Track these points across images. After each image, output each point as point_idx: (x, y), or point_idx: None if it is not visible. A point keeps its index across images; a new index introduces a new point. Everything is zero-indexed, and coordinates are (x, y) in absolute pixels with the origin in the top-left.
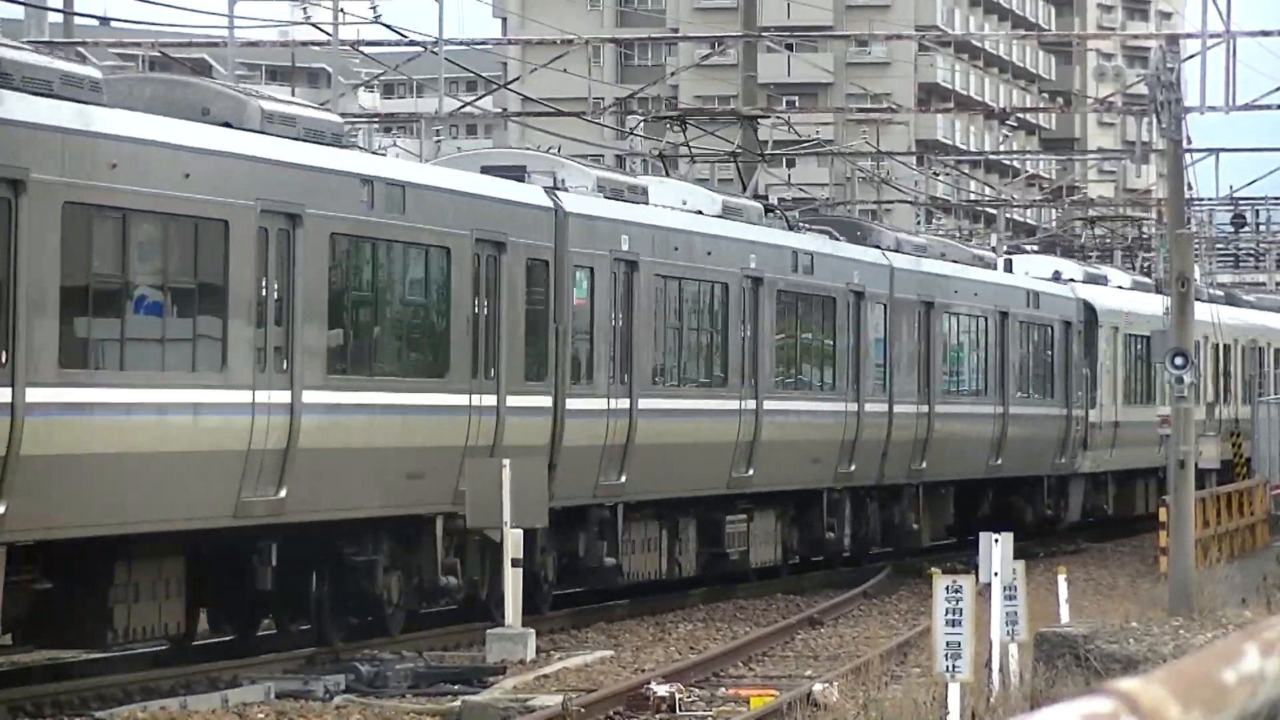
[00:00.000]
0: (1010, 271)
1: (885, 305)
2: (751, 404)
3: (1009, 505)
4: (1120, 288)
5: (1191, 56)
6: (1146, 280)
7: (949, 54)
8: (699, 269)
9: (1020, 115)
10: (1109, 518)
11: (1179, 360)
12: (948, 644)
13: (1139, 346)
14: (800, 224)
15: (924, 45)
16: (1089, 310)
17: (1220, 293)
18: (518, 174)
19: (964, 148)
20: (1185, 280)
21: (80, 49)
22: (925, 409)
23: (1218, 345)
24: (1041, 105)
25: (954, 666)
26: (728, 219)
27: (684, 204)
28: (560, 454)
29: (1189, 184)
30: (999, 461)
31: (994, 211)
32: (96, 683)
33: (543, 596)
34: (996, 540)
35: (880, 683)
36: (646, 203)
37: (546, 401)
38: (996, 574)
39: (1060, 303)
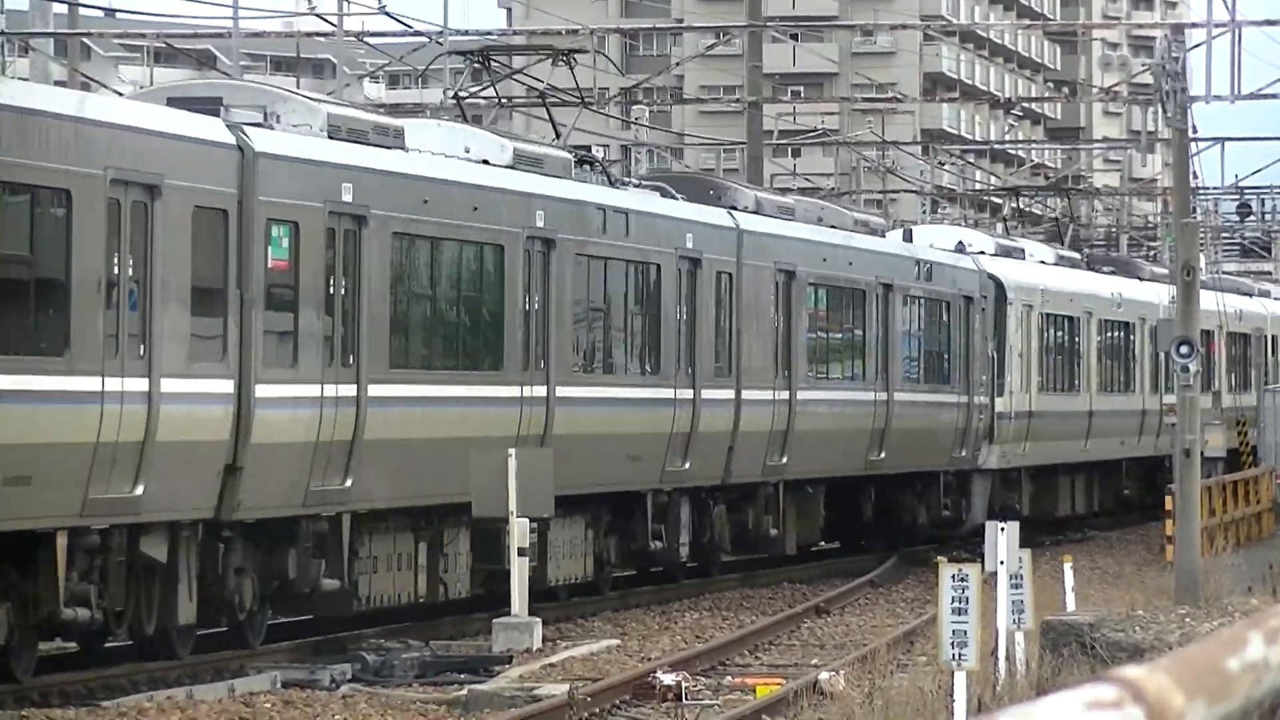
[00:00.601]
0: (910, 241)
1: (731, 274)
2: (542, 391)
3: (897, 505)
4: (1043, 262)
5: (1197, 46)
6: (1073, 255)
7: (954, 43)
8: (461, 227)
9: (1026, 105)
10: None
11: (1184, 349)
12: (954, 632)
13: (1060, 328)
14: (626, 180)
15: (929, 35)
16: (996, 285)
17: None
18: (211, 107)
19: (969, 137)
20: (1191, 269)
21: (85, 39)
22: (785, 396)
23: (1225, 333)
24: (1047, 95)
25: (960, 655)
26: (520, 170)
27: (466, 151)
28: (248, 453)
29: (1194, 173)
30: (881, 456)
31: (999, 201)
32: (103, 673)
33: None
34: (1002, 529)
35: (886, 671)
36: (401, 148)
37: (221, 387)
38: (1002, 562)
39: (960, 276)
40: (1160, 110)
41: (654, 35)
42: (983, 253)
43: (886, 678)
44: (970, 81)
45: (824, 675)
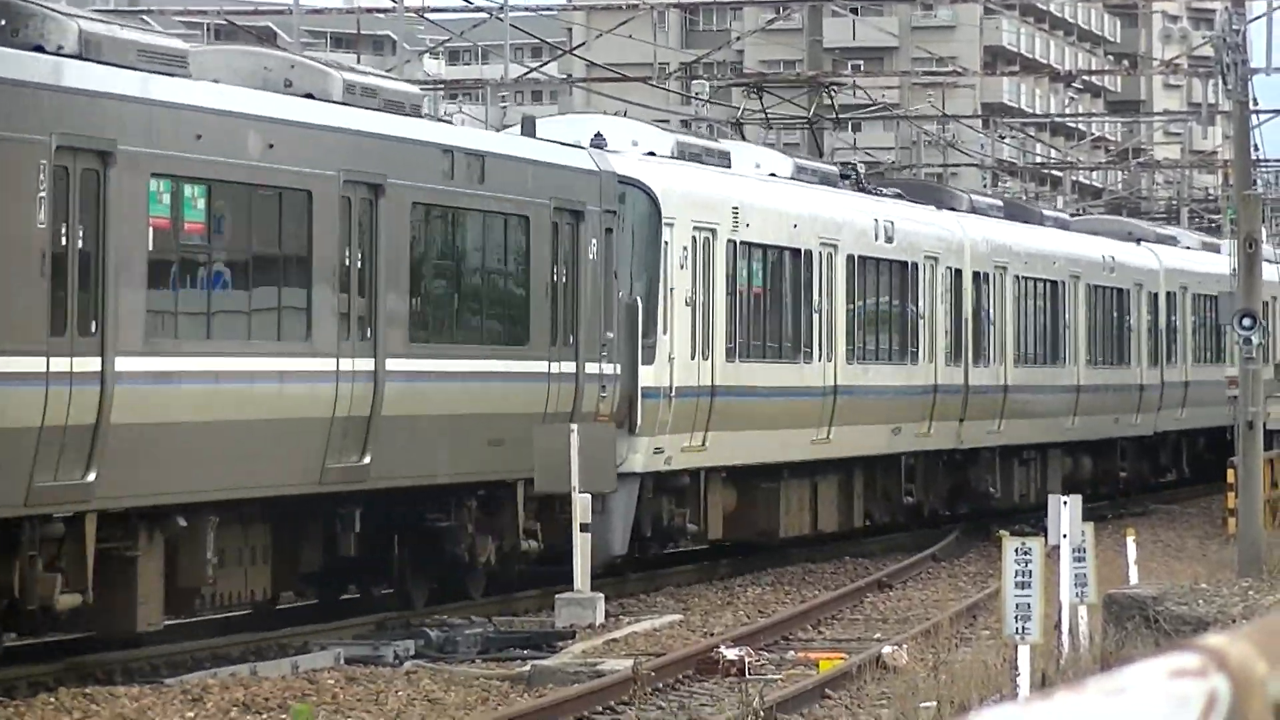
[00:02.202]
0: (532, 134)
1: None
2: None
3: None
4: (762, 169)
5: (1258, 18)
6: (828, 168)
7: (1014, 17)
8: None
9: (1086, 78)
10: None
11: (1246, 321)
12: (1017, 606)
13: (764, 261)
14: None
15: (989, 8)
16: (646, 199)
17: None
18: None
19: (1030, 111)
20: (1254, 241)
21: (146, 17)
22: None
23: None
24: (1107, 68)
25: (1024, 628)
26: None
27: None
28: None
29: (1255, 145)
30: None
31: (1060, 174)
32: (167, 649)
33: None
34: (1065, 502)
35: (950, 645)
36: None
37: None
38: (1065, 536)
39: (560, 180)
40: (1221, 82)
41: (714, 10)
42: (653, 154)
43: (950, 652)
44: (1030, 55)
45: (887, 649)
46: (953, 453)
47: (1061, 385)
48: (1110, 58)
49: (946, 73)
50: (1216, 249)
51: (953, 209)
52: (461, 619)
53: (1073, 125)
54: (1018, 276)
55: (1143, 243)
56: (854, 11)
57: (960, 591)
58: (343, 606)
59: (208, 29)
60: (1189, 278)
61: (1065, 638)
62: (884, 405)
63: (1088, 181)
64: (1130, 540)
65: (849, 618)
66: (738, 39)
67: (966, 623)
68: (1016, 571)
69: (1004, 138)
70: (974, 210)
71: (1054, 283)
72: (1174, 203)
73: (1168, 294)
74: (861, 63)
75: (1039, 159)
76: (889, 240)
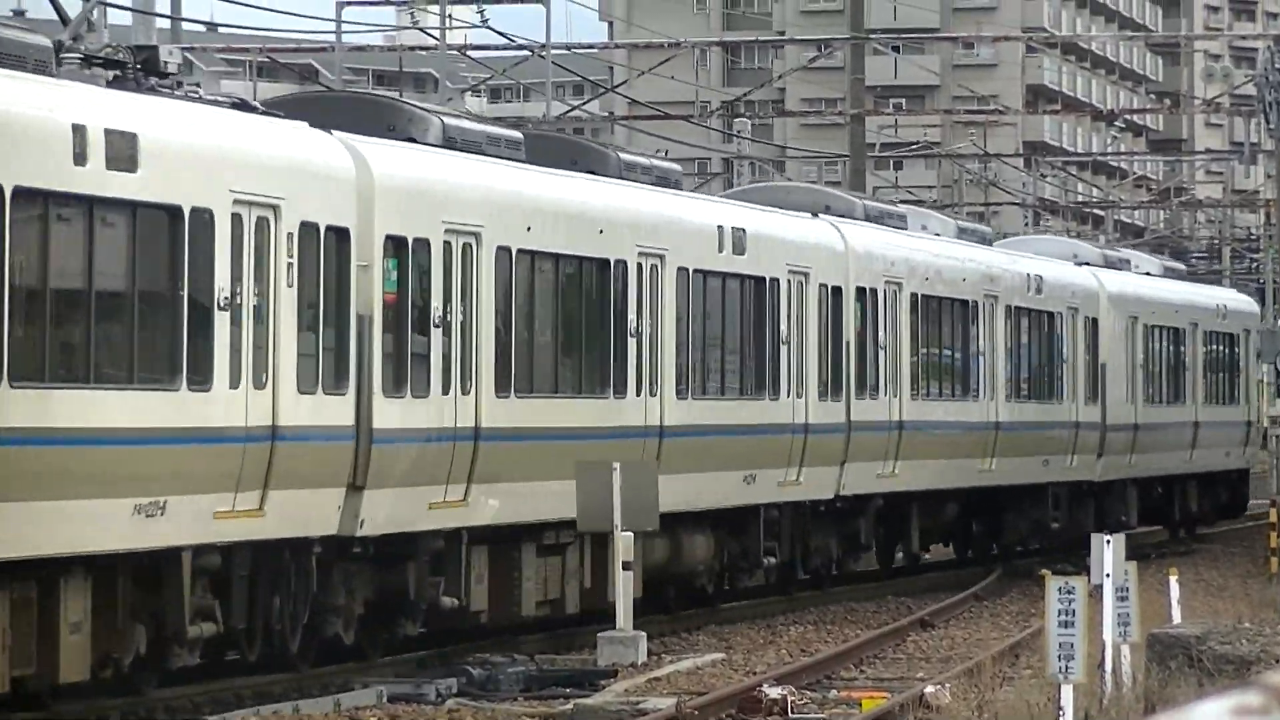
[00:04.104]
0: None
1: None
2: None
3: None
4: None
5: None
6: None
7: (1056, 55)
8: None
9: (1128, 116)
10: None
11: None
12: (1060, 645)
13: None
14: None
15: (1031, 47)
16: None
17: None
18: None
19: (1071, 149)
20: None
21: (188, 54)
22: None
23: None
24: (1149, 106)
25: (1067, 668)
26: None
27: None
28: None
29: None
30: None
31: (1102, 213)
32: (209, 688)
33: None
34: (1108, 541)
35: (993, 684)
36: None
37: None
38: (1108, 575)
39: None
40: (1263, 121)
41: (755, 48)
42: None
43: (993, 691)
44: (1072, 93)
45: (930, 689)
46: (832, 503)
47: (975, 422)
48: (1152, 96)
49: (988, 111)
50: (1182, 275)
51: (835, 213)
52: (504, 657)
53: (1114, 164)
54: (917, 295)
55: (1087, 266)
56: (896, 50)
57: (1003, 630)
58: (385, 643)
59: (250, 66)
60: (1141, 306)
61: (1108, 677)
62: (732, 448)
63: (1130, 220)
64: (1173, 579)
65: (891, 657)
66: (779, 77)
67: (1009, 662)
68: (1060, 610)
69: (1045, 176)
70: (866, 218)
71: (965, 302)
72: (1215, 242)
73: (1117, 322)
74: (903, 101)
75: (1081, 198)
76: (739, 251)
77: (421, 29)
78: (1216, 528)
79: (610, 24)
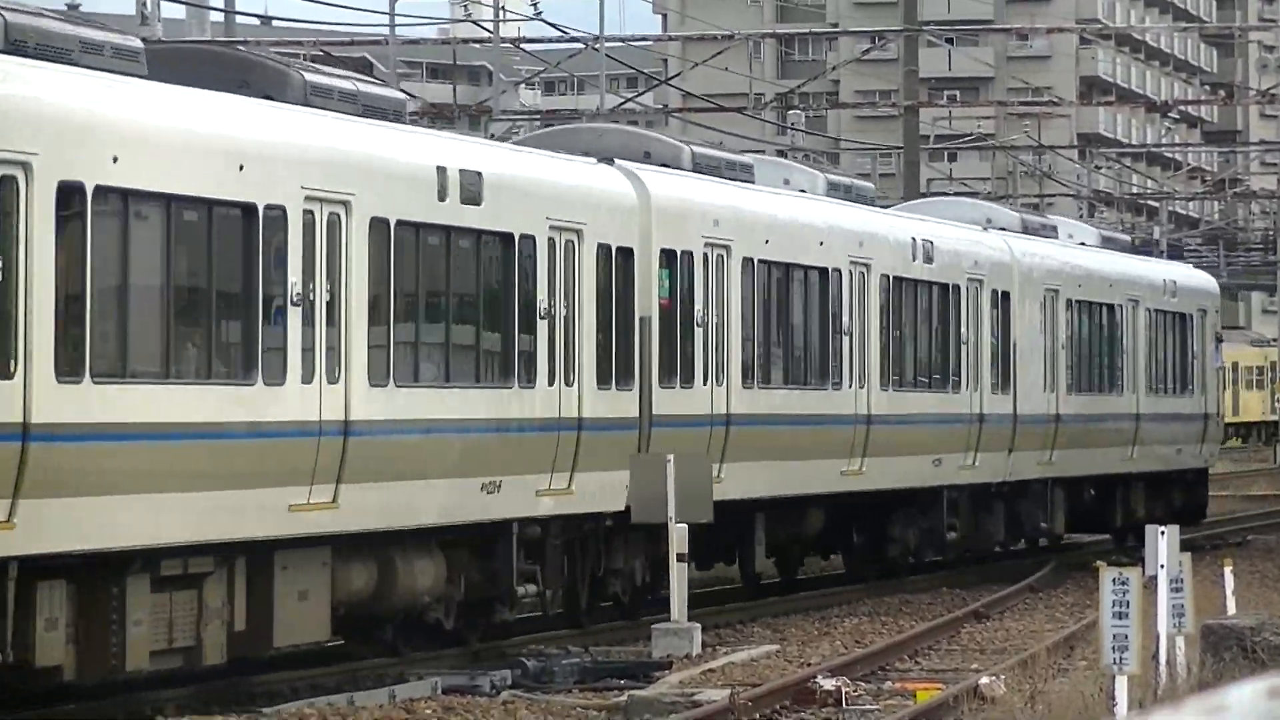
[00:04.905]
0: None
1: None
2: None
3: None
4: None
5: None
6: None
7: (1110, 47)
8: None
9: (1182, 108)
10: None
11: None
12: (1114, 637)
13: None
14: None
15: (1085, 38)
16: None
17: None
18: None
19: (1126, 141)
20: None
21: (241, 48)
22: None
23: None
24: (1203, 98)
25: (1121, 659)
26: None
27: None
28: None
29: None
30: None
31: (1156, 204)
32: (263, 679)
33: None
34: (1163, 533)
35: (1047, 675)
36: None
37: None
38: (1163, 566)
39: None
40: None
41: (809, 40)
42: None
43: (1047, 682)
44: (1126, 85)
45: (984, 680)
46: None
47: (835, 414)
48: (1206, 88)
49: (1042, 103)
50: (1126, 247)
51: (653, 161)
52: (558, 649)
53: (1169, 155)
54: (753, 260)
55: (1000, 231)
56: (949, 42)
57: (1057, 622)
58: (439, 635)
59: (304, 60)
60: (1064, 279)
61: (1163, 668)
62: (464, 444)
63: (1184, 212)
64: (1228, 570)
65: (946, 648)
66: (833, 69)
67: (1063, 653)
68: (1114, 602)
69: (1100, 168)
70: (695, 168)
71: (823, 271)
72: (1270, 233)
73: (1032, 297)
74: (957, 93)
75: (1135, 189)
76: (471, 201)
77: (475, 21)
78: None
79: (664, 16)
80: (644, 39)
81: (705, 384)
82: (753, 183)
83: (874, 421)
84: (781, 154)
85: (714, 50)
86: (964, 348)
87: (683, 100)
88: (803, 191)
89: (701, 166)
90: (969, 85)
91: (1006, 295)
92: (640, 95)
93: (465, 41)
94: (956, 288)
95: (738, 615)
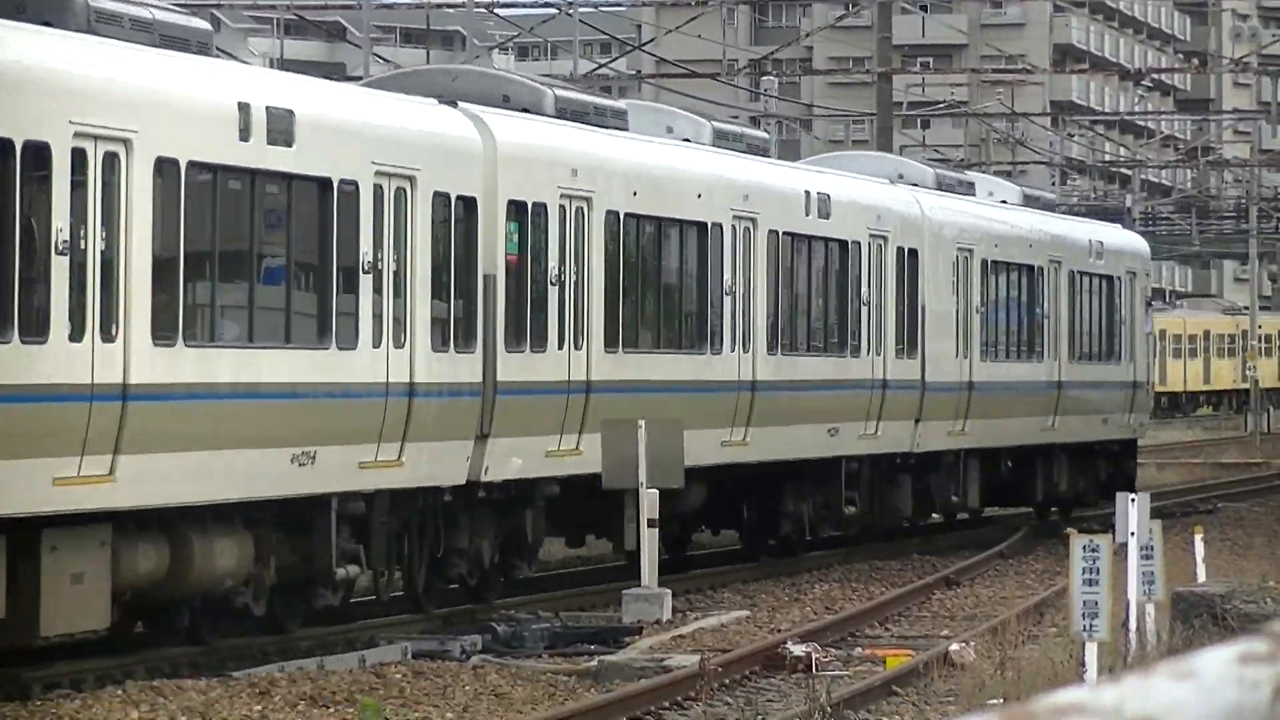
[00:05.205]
0: None
1: None
2: None
3: None
4: None
5: None
6: None
7: (1084, 15)
8: None
9: (1155, 76)
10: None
11: None
12: (1085, 603)
13: None
14: None
15: (1058, 6)
16: None
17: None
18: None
19: (1099, 109)
20: None
21: (215, 11)
22: None
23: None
24: (1177, 66)
25: (1091, 626)
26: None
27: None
28: None
29: None
30: None
31: (1129, 173)
32: (233, 643)
33: None
34: (1133, 500)
35: (1017, 642)
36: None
37: None
38: (1133, 533)
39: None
40: None
41: (783, 6)
42: None
43: (1017, 649)
44: (1100, 53)
45: (954, 646)
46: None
47: (714, 381)
48: (1180, 56)
49: (1015, 70)
50: (1050, 205)
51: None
52: (528, 614)
53: (1142, 124)
54: (618, 213)
55: (911, 186)
56: (923, 9)
57: (1027, 589)
58: (409, 601)
59: (277, 24)
60: (978, 237)
61: (1133, 635)
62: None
63: (1157, 180)
64: (1198, 538)
65: (916, 615)
66: (807, 35)
67: (1034, 620)
68: (1084, 569)
69: (1073, 136)
70: (558, 113)
71: (701, 225)
72: (1243, 201)
73: (943, 257)
74: (930, 60)
75: (1108, 157)
76: (280, 142)
77: None
78: (1100, 509)
79: None
80: (618, 4)
81: (561, 349)
82: (626, 130)
83: (759, 388)
84: (755, 121)
85: (688, 16)
86: (865, 309)
87: (656, 66)
88: (686, 141)
89: (566, 112)
90: (942, 52)
91: (915, 253)
92: (614, 61)
93: (439, 5)
94: (856, 244)
95: (708, 581)
